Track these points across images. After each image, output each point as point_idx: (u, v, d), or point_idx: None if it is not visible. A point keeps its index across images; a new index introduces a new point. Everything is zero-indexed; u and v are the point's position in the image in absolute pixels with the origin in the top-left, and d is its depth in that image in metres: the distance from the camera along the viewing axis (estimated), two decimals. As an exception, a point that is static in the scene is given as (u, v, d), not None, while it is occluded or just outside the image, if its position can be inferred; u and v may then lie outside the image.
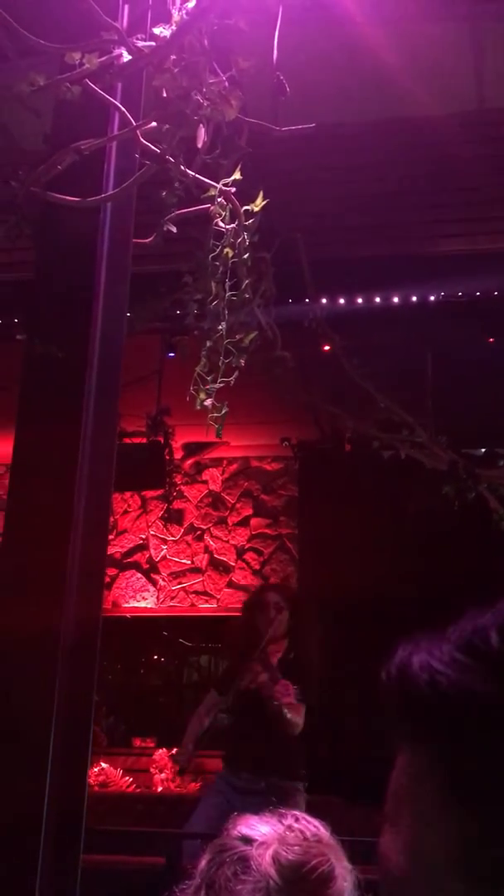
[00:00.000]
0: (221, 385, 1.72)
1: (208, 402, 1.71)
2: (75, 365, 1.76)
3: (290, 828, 0.87)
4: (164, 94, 1.36)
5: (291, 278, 3.84)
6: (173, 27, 1.64)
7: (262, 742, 3.90)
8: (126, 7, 1.90)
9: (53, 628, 1.61)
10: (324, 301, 4.11)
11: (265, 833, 0.87)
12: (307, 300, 4.05)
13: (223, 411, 1.71)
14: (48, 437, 1.71)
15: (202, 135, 1.36)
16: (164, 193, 1.45)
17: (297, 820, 0.87)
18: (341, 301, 4.11)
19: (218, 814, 3.71)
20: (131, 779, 6.12)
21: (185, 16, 1.65)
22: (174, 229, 1.57)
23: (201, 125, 1.33)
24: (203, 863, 0.87)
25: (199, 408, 1.75)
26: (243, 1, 1.28)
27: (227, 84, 1.30)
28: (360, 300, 4.15)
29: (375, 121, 3.52)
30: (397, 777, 0.57)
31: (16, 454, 1.70)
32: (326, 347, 4.06)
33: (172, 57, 1.34)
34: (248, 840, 0.87)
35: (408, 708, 0.56)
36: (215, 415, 1.71)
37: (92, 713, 1.71)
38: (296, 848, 0.85)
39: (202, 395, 1.73)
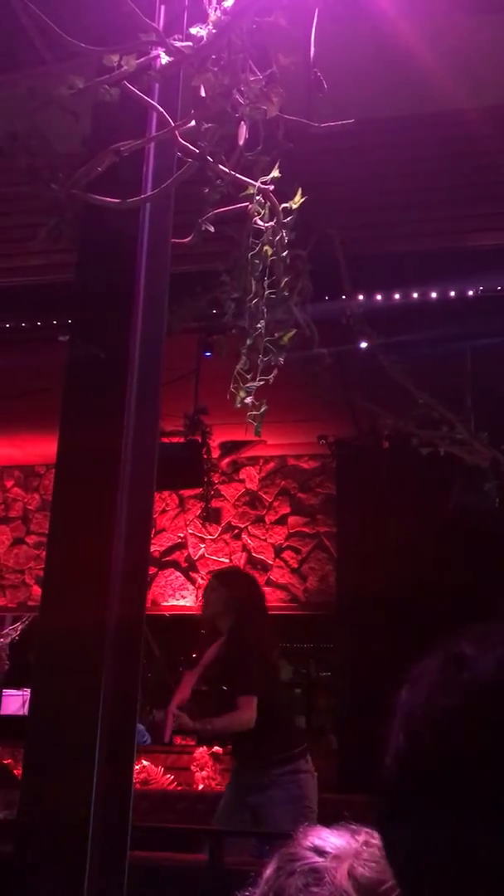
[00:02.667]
0: (261, 383, 1.71)
1: (248, 400, 1.71)
2: (117, 366, 1.77)
3: (366, 843, 0.86)
4: (204, 94, 1.36)
5: (328, 275, 3.83)
6: (210, 26, 1.64)
7: (247, 739, 3.92)
8: (162, 7, 1.90)
9: (98, 627, 1.63)
10: (361, 297, 4.09)
11: (339, 846, 0.86)
12: (344, 297, 4.03)
13: (262, 409, 1.70)
14: (91, 438, 1.73)
15: (243, 132, 1.36)
16: (205, 191, 1.45)
17: (372, 836, 0.85)
18: (378, 297, 4.08)
19: (231, 810, 3.77)
20: (172, 776, 6.16)
21: (221, 15, 1.65)
22: (212, 229, 1.57)
23: (242, 123, 1.33)
24: (270, 871, 0.86)
25: (238, 406, 1.75)
26: (283, -2, 1.27)
27: (266, 81, 1.29)
28: (397, 296, 4.12)
29: (410, 115, 3.48)
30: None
31: (60, 455, 1.72)
32: (364, 344, 4.04)
33: (213, 56, 1.33)
34: (320, 852, 0.86)
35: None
36: (254, 413, 1.71)
37: (136, 711, 1.72)
38: (372, 864, 0.83)
39: (242, 393, 1.73)
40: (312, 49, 1.49)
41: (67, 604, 1.69)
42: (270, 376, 1.73)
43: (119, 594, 1.67)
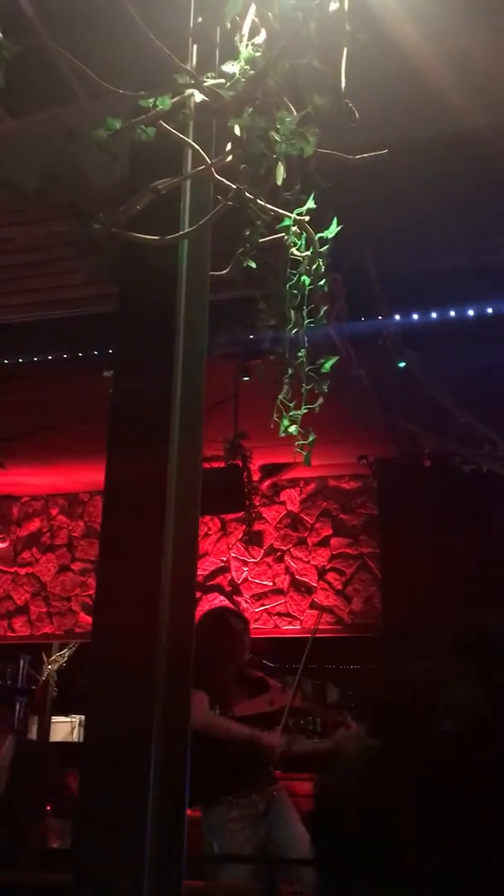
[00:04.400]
0: (305, 412, 1.74)
1: (293, 429, 1.74)
2: (160, 396, 1.81)
3: None
4: (238, 133, 1.41)
5: (363, 296, 3.85)
6: (242, 62, 1.69)
7: (252, 765, 3.60)
8: (195, 46, 1.96)
9: (149, 652, 1.66)
10: (397, 317, 4.10)
11: None
12: (380, 317, 4.05)
13: (311, 438, 1.73)
14: (137, 467, 1.77)
15: (282, 172, 1.40)
16: (247, 233, 1.49)
17: None
18: (414, 316, 4.09)
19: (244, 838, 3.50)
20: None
21: (253, 52, 1.70)
22: (254, 265, 1.61)
23: (280, 163, 1.37)
24: None
25: (282, 435, 1.78)
26: (314, 40, 1.31)
27: (301, 121, 1.33)
28: (433, 315, 4.13)
29: (438, 135, 3.52)
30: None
31: (107, 484, 1.76)
32: (402, 364, 4.05)
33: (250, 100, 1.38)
34: None
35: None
36: (303, 442, 1.74)
37: (188, 736, 1.74)
38: None
39: (286, 422, 1.76)
40: (343, 82, 1.53)
41: (118, 630, 1.72)
42: (316, 404, 1.75)
43: (168, 619, 1.70)
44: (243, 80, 1.51)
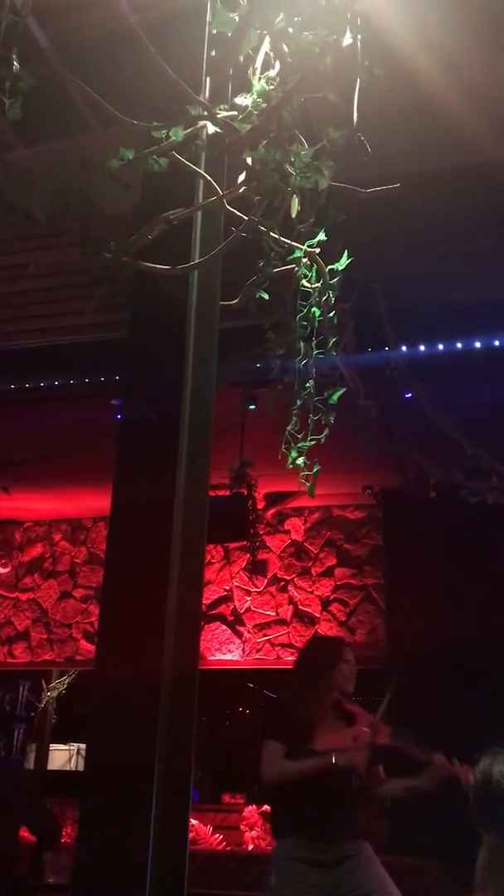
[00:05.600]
0: (312, 443, 1.74)
1: (300, 461, 1.73)
2: (168, 424, 1.81)
3: None
4: (251, 163, 1.41)
5: (371, 328, 3.86)
6: (255, 95, 1.71)
7: (329, 806, 3.27)
8: (208, 79, 1.99)
9: (153, 680, 1.64)
10: (404, 349, 4.11)
11: None
12: (387, 348, 4.06)
13: (315, 469, 1.72)
14: (144, 494, 1.76)
15: (296, 205, 1.40)
16: (260, 264, 1.49)
17: None
18: (422, 348, 4.10)
19: (298, 881, 3.13)
20: (221, 836, 6.04)
21: (266, 85, 1.72)
22: (266, 296, 1.61)
23: (295, 195, 1.38)
24: None
25: (290, 467, 1.77)
26: (329, 74, 1.33)
27: (316, 154, 1.34)
28: (440, 346, 4.14)
29: (450, 168, 3.55)
30: (482, 855, 0.67)
31: (113, 510, 1.75)
32: (408, 395, 4.05)
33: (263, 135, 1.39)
34: None
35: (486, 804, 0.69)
36: (307, 473, 1.73)
37: (192, 767, 1.71)
38: None
39: (293, 454, 1.75)
40: (356, 116, 1.54)
41: (122, 657, 1.70)
42: (322, 436, 1.75)
43: (173, 647, 1.68)
44: (256, 112, 1.53)
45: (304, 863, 3.15)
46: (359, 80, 1.59)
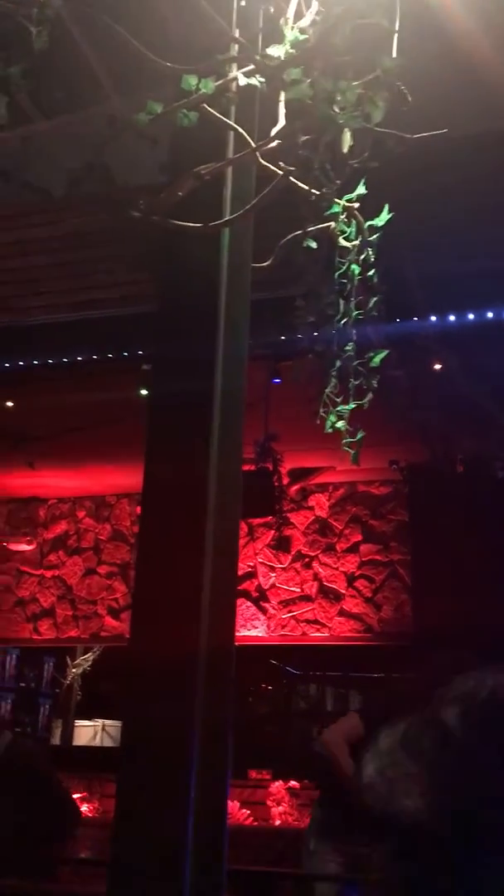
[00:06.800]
0: (353, 407, 1.66)
1: (340, 425, 1.66)
2: (200, 393, 1.74)
3: None
4: (295, 97, 1.32)
5: (399, 296, 3.76)
6: (287, 46, 1.62)
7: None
8: (237, 31, 1.89)
9: (189, 656, 1.58)
10: (433, 318, 4.01)
11: None
12: (415, 318, 3.96)
13: (359, 435, 1.64)
14: (176, 467, 1.69)
15: (349, 139, 1.32)
16: (312, 196, 1.41)
17: None
18: (452, 318, 4.00)
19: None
20: (249, 811, 6.05)
21: (298, 34, 1.62)
22: (314, 245, 1.53)
23: (346, 129, 1.29)
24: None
25: (328, 431, 1.70)
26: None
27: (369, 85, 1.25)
28: (471, 316, 4.03)
29: (484, 131, 3.42)
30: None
31: (146, 483, 1.69)
32: (438, 365, 3.95)
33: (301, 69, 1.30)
34: None
35: None
36: (350, 440, 1.65)
37: (230, 742, 1.66)
38: None
39: (332, 418, 1.68)
40: (395, 53, 1.44)
41: (157, 633, 1.65)
42: (365, 400, 1.67)
43: (209, 622, 1.62)
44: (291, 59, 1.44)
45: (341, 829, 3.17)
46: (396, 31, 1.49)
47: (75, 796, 6.54)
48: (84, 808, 6.45)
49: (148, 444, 1.69)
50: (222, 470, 1.74)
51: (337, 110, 1.25)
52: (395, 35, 1.44)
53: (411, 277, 3.73)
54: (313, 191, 1.49)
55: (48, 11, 1.23)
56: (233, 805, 6.01)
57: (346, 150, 1.34)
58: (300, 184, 1.43)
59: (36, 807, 3.61)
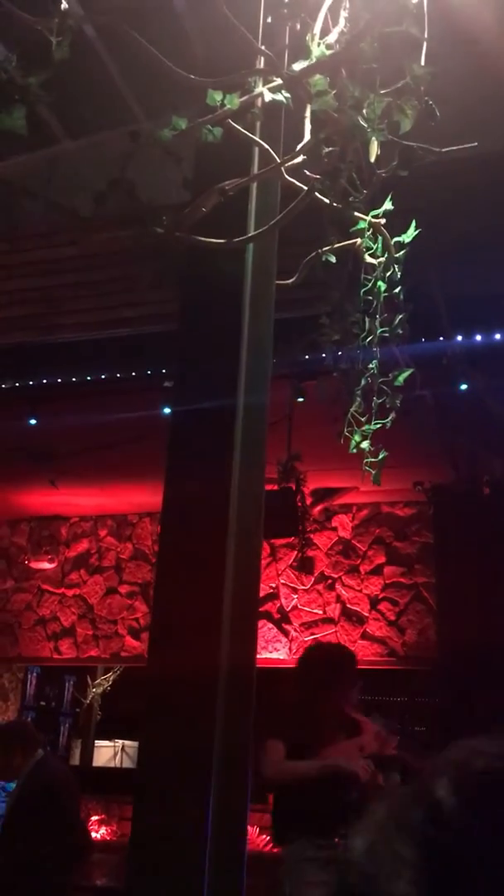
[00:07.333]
0: (378, 426, 1.63)
1: (364, 444, 1.62)
2: (223, 411, 1.72)
3: None
4: (324, 107, 1.30)
5: (425, 315, 3.73)
6: (313, 62, 1.61)
7: (333, 808, 3.13)
8: (263, 48, 1.89)
9: (209, 676, 1.55)
10: (459, 338, 3.97)
11: None
12: (441, 338, 3.92)
13: (381, 455, 1.61)
14: (198, 486, 1.67)
15: (375, 147, 1.29)
16: (337, 206, 1.38)
17: None
18: (478, 338, 3.95)
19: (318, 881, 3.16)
20: (268, 837, 5.94)
21: (325, 49, 1.61)
22: (333, 259, 1.51)
23: (373, 138, 1.27)
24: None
25: (353, 451, 1.66)
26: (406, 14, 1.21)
27: (398, 94, 1.23)
28: (497, 336, 3.98)
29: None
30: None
31: (166, 501, 1.66)
32: (464, 386, 3.90)
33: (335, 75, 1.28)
34: None
35: None
36: (372, 460, 1.62)
37: (249, 763, 1.62)
38: None
39: (357, 438, 1.64)
40: (423, 62, 1.42)
41: (176, 655, 1.62)
42: (389, 419, 1.63)
43: (229, 644, 1.59)
44: (318, 74, 1.42)
45: (315, 862, 3.10)
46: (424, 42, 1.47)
47: (93, 818, 6.48)
48: (102, 830, 6.37)
49: (168, 462, 1.67)
50: (244, 489, 1.71)
51: (363, 121, 1.22)
52: (424, 43, 1.42)
53: (438, 296, 3.69)
54: (337, 204, 1.47)
55: (69, 22, 1.23)
56: (252, 830, 5.91)
57: (373, 158, 1.31)
58: (325, 199, 1.40)
59: (46, 830, 3.56)
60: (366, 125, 1.24)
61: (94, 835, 6.26)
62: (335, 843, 3.09)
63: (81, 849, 3.86)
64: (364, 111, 1.23)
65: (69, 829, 3.74)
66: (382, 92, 1.24)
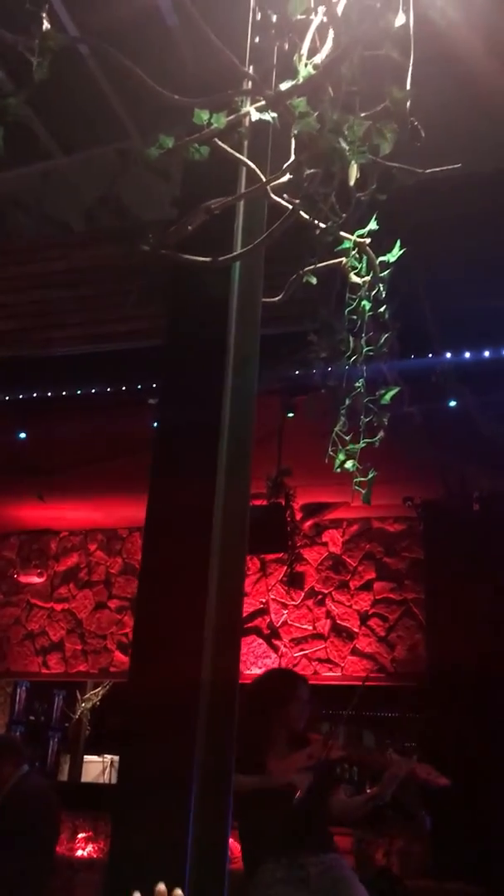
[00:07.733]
0: (363, 445, 1.63)
1: (349, 464, 1.63)
2: (208, 427, 1.72)
3: None
4: (302, 132, 1.31)
5: (414, 332, 3.75)
6: (300, 82, 1.62)
7: (291, 822, 3.17)
8: (251, 67, 1.90)
9: (190, 692, 1.54)
10: (448, 355, 3.99)
11: None
12: (431, 354, 3.94)
13: (371, 475, 1.61)
14: (182, 501, 1.67)
15: (354, 171, 1.31)
16: (318, 229, 1.39)
17: None
18: (467, 355, 3.97)
19: None
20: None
21: (311, 69, 1.63)
22: (314, 281, 1.52)
23: (353, 162, 1.28)
24: None
25: (337, 471, 1.67)
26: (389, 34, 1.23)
27: (378, 117, 1.24)
28: (487, 353, 4.00)
29: (499, 169, 3.43)
30: None
31: (149, 517, 1.66)
32: (453, 402, 3.92)
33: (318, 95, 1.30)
34: None
35: None
36: (361, 479, 1.62)
37: (231, 781, 1.61)
38: None
39: (341, 457, 1.65)
40: (408, 102, 1.44)
41: (158, 668, 1.61)
42: (376, 438, 1.64)
43: (211, 660, 1.58)
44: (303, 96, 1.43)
45: (286, 884, 3.08)
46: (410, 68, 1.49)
47: (80, 835, 6.42)
48: (89, 848, 6.31)
49: (152, 477, 1.67)
50: (228, 505, 1.71)
51: (344, 143, 1.24)
52: (410, 67, 1.44)
53: (426, 314, 3.72)
54: (320, 224, 1.48)
55: (50, 43, 1.24)
56: (235, 846, 5.86)
57: (352, 183, 1.33)
58: (308, 217, 1.42)
59: (19, 848, 3.54)
60: (346, 148, 1.25)
61: (80, 853, 6.20)
62: (301, 862, 3.10)
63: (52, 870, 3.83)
64: (345, 134, 1.25)
65: (42, 848, 3.72)
66: (363, 115, 1.25)
